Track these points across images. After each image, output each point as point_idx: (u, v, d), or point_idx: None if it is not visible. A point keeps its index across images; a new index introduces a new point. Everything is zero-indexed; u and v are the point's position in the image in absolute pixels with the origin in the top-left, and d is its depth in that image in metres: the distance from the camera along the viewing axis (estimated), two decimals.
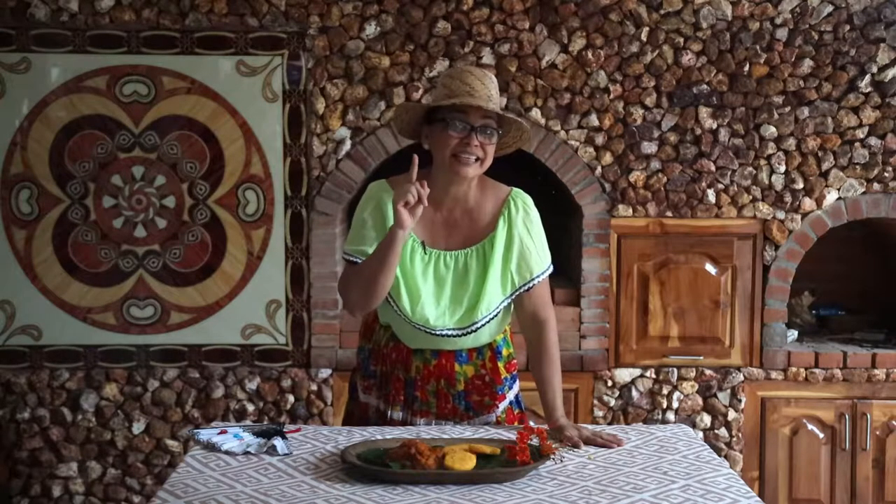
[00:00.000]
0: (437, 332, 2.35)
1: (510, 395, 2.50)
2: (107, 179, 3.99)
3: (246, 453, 2.15)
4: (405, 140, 3.75)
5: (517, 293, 2.39)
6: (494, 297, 2.36)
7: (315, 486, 1.94)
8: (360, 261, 2.33)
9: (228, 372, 4.05)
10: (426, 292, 2.34)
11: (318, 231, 4.01)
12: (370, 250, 2.31)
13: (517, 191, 2.44)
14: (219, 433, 2.24)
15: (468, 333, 2.36)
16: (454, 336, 2.36)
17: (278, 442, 2.18)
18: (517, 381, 2.54)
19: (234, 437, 2.22)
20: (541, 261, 2.40)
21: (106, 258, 4.02)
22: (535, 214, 2.42)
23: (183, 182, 4.01)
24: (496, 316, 2.39)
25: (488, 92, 2.28)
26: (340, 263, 3.94)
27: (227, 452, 2.16)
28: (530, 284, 2.39)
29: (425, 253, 2.36)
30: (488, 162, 2.32)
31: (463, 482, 1.94)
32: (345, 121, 3.98)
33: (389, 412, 2.44)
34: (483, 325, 2.36)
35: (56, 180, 3.98)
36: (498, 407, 2.45)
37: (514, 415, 2.50)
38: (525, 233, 2.38)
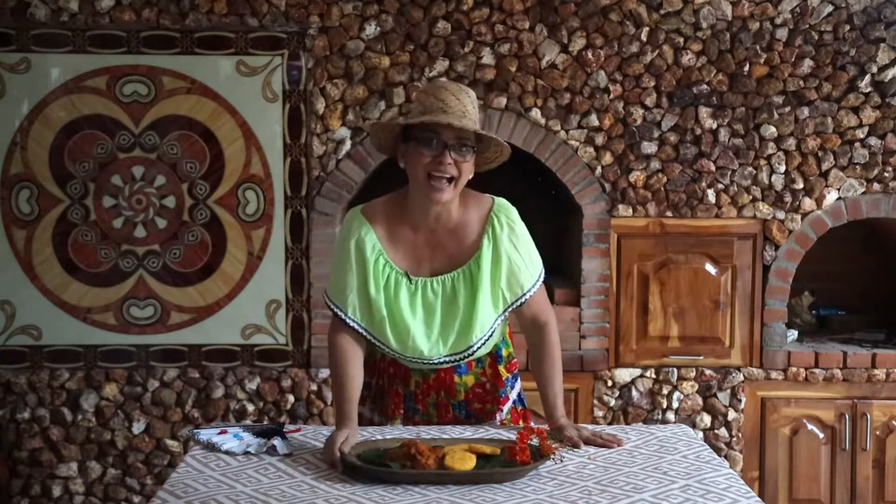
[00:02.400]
0: (434, 362, 2.34)
1: (513, 395, 2.49)
2: (107, 179, 3.99)
3: (246, 453, 2.15)
4: None
5: (510, 309, 2.36)
6: (487, 317, 2.31)
7: (315, 486, 1.94)
8: (341, 315, 2.31)
9: (228, 372, 4.05)
10: (416, 324, 2.29)
11: (318, 231, 4.01)
12: (351, 296, 2.29)
13: (500, 203, 2.36)
14: (219, 433, 2.24)
15: (464, 358, 2.35)
16: (451, 363, 2.35)
17: (278, 442, 2.18)
18: (518, 380, 2.53)
19: (234, 438, 2.22)
20: (531, 274, 2.35)
21: (106, 258, 4.02)
22: (520, 227, 2.35)
23: (183, 182, 4.01)
24: (491, 335, 2.35)
25: (463, 107, 2.20)
26: None
27: (227, 452, 2.16)
28: (522, 300, 2.35)
29: (410, 282, 2.30)
30: (463, 180, 2.24)
31: (463, 482, 1.94)
32: (345, 121, 3.99)
33: (389, 425, 2.43)
34: (479, 348, 2.34)
35: (56, 180, 3.98)
36: (502, 411, 2.45)
37: (517, 413, 2.49)
38: (512, 249, 2.32)
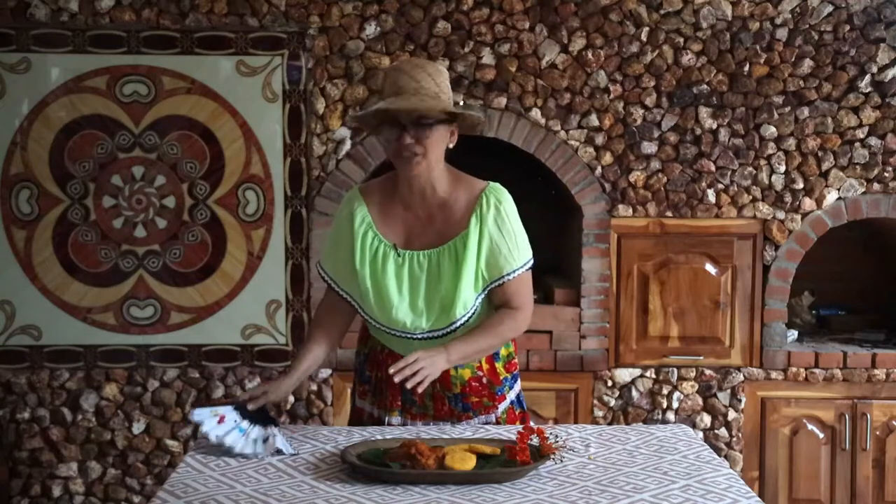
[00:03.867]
0: (416, 336, 2.36)
1: (511, 395, 2.49)
2: (107, 179, 3.99)
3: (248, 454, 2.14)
4: None
5: (488, 288, 2.36)
6: (469, 295, 2.33)
7: (315, 486, 1.94)
8: (333, 284, 2.43)
9: (228, 372, 4.05)
10: (401, 297, 2.33)
11: (318, 231, 4.01)
12: (340, 267, 2.41)
13: (492, 186, 2.38)
14: (217, 422, 2.20)
15: (447, 335, 2.35)
16: (433, 339, 2.36)
17: (282, 444, 2.16)
18: (518, 381, 2.53)
19: (238, 431, 2.18)
20: (512, 259, 2.35)
21: (106, 258, 4.02)
22: (508, 210, 2.36)
23: (183, 182, 4.01)
24: (474, 314, 2.37)
25: (417, 84, 2.24)
26: None
27: (230, 451, 2.13)
28: (500, 282, 2.36)
29: (398, 255, 2.35)
30: (435, 153, 2.28)
31: (463, 482, 1.94)
32: (345, 121, 3.98)
33: (387, 418, 2.44)
34: (462, 325, 2.35)
35: (56, 180, 3.98)
36: (498, 408, 2.45)
37: (515, 414, 2.49)
38: (496, 231, 2.33)
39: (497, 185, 2.40)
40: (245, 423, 2.23)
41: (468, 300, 2.34)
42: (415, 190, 2.35)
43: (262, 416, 2.24)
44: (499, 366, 2.45)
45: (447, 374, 2.39)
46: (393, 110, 2.23)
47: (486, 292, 2.37)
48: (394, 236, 2.37)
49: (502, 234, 2.34)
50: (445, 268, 2.33)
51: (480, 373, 2.42)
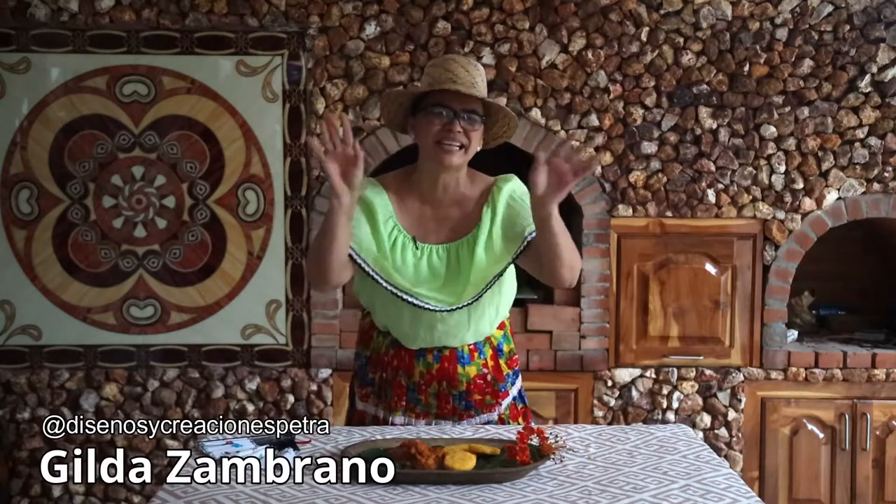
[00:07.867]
0: (438, 309, 2.32)
1: (513, 392, 2.50)
2: (107, 179, 3.99)
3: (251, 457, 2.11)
4: (405, 139, 3.76)
5: (523, 247, 2.30)
6: (493, 270, 2.31)
7: (315, 486, 1.94)
8: (352, 253, 2.31)
9: (228, 372, 4.05)
10: (422, 281, 2.33)
11: (317, 231, 4.01)
12: (356, 234, 2.29)
13: (503, 176, 2.40)
14: (225, 443, 2.17)
15: (469, 304, 2.33)
16: (455, 310, 2.32)
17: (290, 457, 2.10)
18: (519, 377, 2.54)
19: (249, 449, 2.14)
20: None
21: (106, 258, 4.02)
22: (518, 187, 2.36)
23: (183, 182, 4.01)
24: (494, 284, 2.34)
25: (472, 79, 2.25)
26: None
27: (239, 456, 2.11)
28: (529, 238, 2.29)
29: (416, 248, 2.35)
30: (473, 149, 2.29)
31: (463, 482, 1.94)
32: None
33: (391, 417, 2.44)
34: (483, 294, 2.33)
35: (56, 180, 3.98)
36: (500, 405, 2.45)
37: (517, 410, 2.50)
38: (511, 199, 2.33)
39: (506, 175, 2.40)
40: (259, 451, 2.16)
41: (489, 274, 2.32)
42: (438, 185, 2.34)
43: (284, 443, 2.17)
44: (502, 362, 2.46)
45: (455, 371, 2.40)
46: (463, 94, 2.19)
47: (518, 255, 2.30)
48: (411, 229, 2.36)
49: (516, 200, 2.34)
50: (464, 258, 2.33)
51: (486, 370, 2.43)
